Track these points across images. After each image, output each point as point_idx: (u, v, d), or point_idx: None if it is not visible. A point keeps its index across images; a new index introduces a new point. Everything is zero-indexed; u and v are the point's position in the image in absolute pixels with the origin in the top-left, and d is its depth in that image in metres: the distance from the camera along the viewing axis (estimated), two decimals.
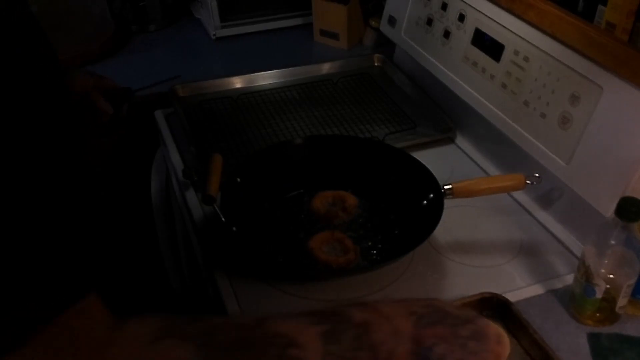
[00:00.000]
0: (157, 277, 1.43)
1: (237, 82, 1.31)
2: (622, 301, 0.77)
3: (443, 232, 0.91)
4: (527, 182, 0.90)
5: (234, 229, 0.86)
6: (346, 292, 0.84)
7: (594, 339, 0.77)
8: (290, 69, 1.34)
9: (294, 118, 1.20)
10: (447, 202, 0.87)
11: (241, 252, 0.90)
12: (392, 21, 1.32)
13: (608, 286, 0.75)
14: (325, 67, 1.37)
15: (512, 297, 0.79)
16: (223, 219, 0.86)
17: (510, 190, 0.96)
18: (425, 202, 0.90)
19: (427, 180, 0.91)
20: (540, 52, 0.92)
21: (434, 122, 1.18)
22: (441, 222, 0.84)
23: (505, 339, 0.55)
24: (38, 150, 0.51)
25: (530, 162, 0.95)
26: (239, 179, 0.93)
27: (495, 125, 1.02)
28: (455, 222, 0.94)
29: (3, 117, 0.47)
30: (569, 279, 0.82)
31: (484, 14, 1.04)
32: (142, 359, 0.49)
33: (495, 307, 0.78)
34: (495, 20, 1.01)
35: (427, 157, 0.96)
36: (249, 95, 1.26)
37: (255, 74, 1.32)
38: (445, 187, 0.89)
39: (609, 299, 0.76)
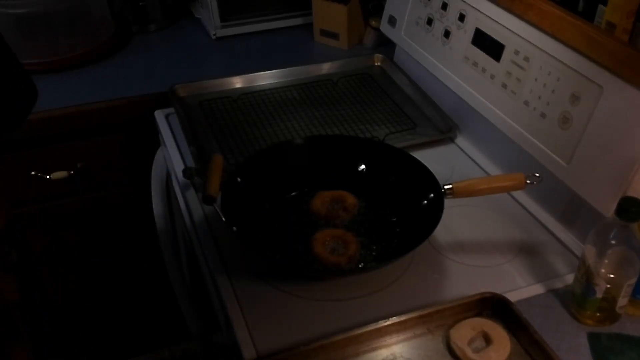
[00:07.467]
0: (157, 277, 1.43)
1: (237, 82, 1.31)
2: (622, 301, 0.77)
3: (443, 232, 0.92)
4: (527, 182, 0.89)
5: (235, 229, 0.86)
6: (346, 291, 0.84)
7: (594, 338, 0.77)
8: (290, 69, 1.34)
9: (294, 118, 1.20)
10: (447, 202, 0.87)
11: (242, 252, 0.90)
12: (392, 21, 1.32)
13: (608, 286, 0.75)
14: (325, 67, 1.37)
15: (512, 297, 0.79)
16: (223, 219, 0.86)
17: (510, 190, 0.95)
18: (425, 202, 0.90)
19: (427, 180, 0.91)
20: (541, 52, 0.92)
21: (434, 122, 1.18)
22: (441, 222, 0.84)
23: None
24: None
25: (530, 162, 0.95)
26: (239, 179, 0.93)
27: (496, 125, 1.02)
28: (455, 222, 0.94)
29: None
30: (569, 278, 0.83)
31: (484, 13, 1.04)
32: None
33: (495, 307, 0.78)
34: (495, 20, 1.01)
35: (427, 157, 0.96)
36: (249, 95, 1.26)
37: (255, 74, 1.32)
38: (446, 187, 0.89)
39: (609, 299, 0.76)
